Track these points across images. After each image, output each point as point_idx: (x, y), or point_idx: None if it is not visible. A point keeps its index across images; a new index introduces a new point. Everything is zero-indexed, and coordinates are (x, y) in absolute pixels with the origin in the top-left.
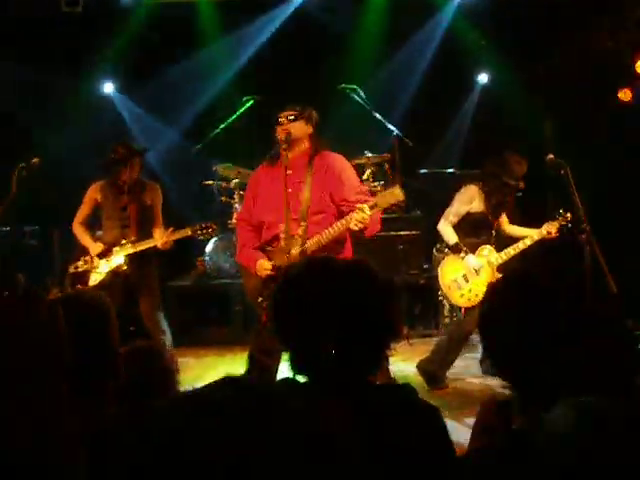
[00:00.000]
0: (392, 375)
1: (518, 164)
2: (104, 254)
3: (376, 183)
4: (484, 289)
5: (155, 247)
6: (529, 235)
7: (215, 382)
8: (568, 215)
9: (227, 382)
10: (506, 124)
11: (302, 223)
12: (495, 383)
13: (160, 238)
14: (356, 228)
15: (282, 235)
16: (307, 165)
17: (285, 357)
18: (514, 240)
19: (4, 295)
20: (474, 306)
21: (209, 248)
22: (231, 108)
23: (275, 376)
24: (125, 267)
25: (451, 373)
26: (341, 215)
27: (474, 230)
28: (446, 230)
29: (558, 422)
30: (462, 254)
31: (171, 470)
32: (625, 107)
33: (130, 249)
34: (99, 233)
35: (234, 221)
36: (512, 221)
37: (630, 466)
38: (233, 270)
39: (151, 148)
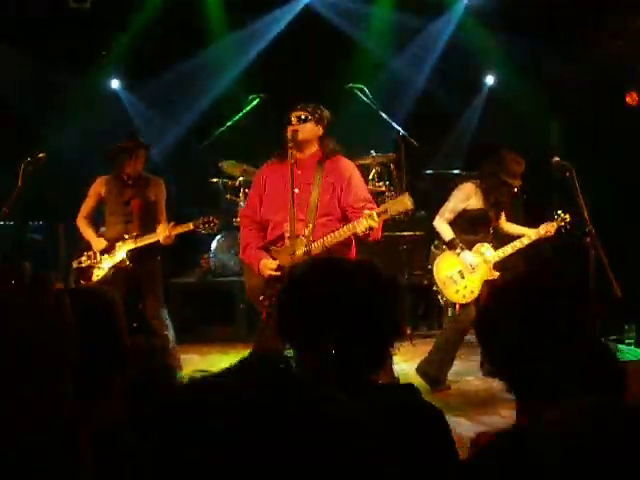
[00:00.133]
0: (396, 375)
1: (516, 163)
2: (107, 250)
3: (381, 183)
4: (480, 286)
5: (158, 242)
6: (527, 234)
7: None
8: (567, 216)
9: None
10: (512, 126)
11: (309, 224)
12: (496, 385)
13: (162, 232)
14: (362, 234)
15: (287, 235)
16: (317, 167)
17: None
18: (512, 238)
19: (11, 283)
20: (469, 303)
21: (214, 246)
22: (237, 106)
23: None
24: (128, 262)
25: (452, 374)
26: (345, 219)
27: (471, 227)
28: (442, 226)
29: (558, 422)
30: (458, 250)
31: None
32: (632, 111)
33: (132, 244)
34: (103, 229)
35: (239, 219)
36: (514, 221)
37: (631, 467)
38: (237, 268)
39: (156, 145)
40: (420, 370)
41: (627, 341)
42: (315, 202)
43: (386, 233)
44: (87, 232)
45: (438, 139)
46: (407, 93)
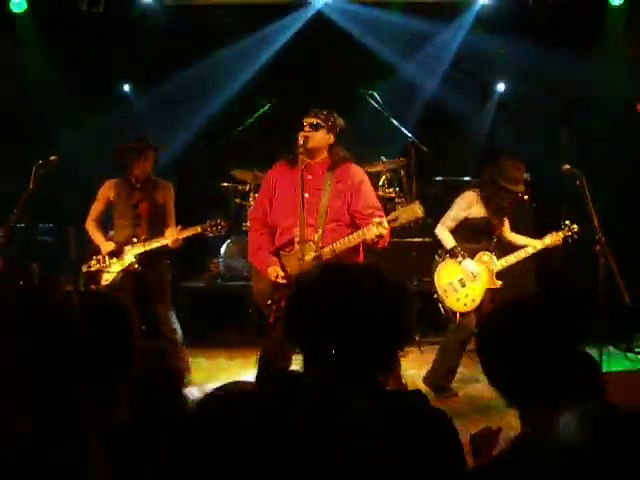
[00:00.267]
0: (404, 381)
1: (516, 168)
2: (116, 253)
3: (391, 189)
4: (481, 294)
5: (167, 246)
6: (531, 244)
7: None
8: (574, 227)
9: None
10: (523, 132)
11: (318, 230)
12: None
13: (170, 236)
14: (371, 241)
15: (297, 240)
16: (327, 172)
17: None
18: (515, 248)
19: (20, 284)
20: (470, 311)
21: (223, 250)
22: (248, 110)
23: None
24: (136, 266)
25: (459, 381)
26: (353, 225)
27: (473, 236)
28: (443, 234)
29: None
30: (459, 258)
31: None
32: None
33: (141, 248)
34: (112, 233)
35: (248, 223)
36: (524, 229)
37: (632, 471)
38: (246, 272)
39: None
40: (426, 380)
41: (637, 349)
42: (325, 208)
43: (396, 239)
44: (96, 235)
45: (449, 145)
46: (418, 99)
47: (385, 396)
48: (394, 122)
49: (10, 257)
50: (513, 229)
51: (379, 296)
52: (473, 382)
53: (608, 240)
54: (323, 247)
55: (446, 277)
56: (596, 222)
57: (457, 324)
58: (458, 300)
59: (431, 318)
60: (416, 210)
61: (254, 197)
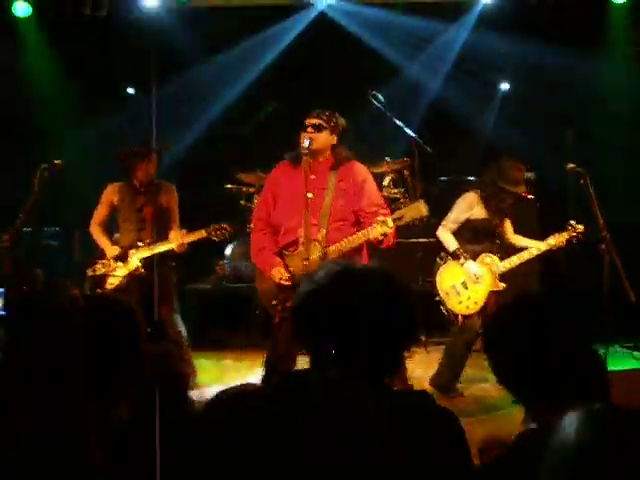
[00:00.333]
0: (409, 382)
1: (516, 169)
2: (121, 257)
3: (396, 190)
4: (484, 297)
5: (172, 250)
6: (535, 246)
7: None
8: (580, 227)
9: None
10: (527, 132)
11: (322, 229)
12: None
13: (175, 240)
14: (375, 240)
15: (301, 240)
16: (331, 172)
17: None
18: (518, 249)
19: (24, 289)
20: (473, 313)
21: (228, 252)
22: (251, 112)
23: None
24: (142, 270)
25: (465, 381)
26: (358, 223)
27: (475, 237)
28: (445, 236)
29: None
30: (462, 260)
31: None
32: None
33: (146, 252)
34: (117, 236)
35: (252, 223)
36: (529, 229)
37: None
38: (252, 274)
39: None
40: (432, 382)
41: None
42: (328, 207)
43: (401, 240)
44: (101, 240)
45: (452, 145)
46: (421, 99)
47: (391, 396)
48: (398, 123)
49: (16, 261)
50: (517, 229)
51: (385, 296)
52: (479, 382)
53: (613, 239)
54: (327, 247)
55: (448, 279)
56: (601, 221)
57: (460, 326)
58: (460, 303)
59: (437, 318)
60: (421, 208)
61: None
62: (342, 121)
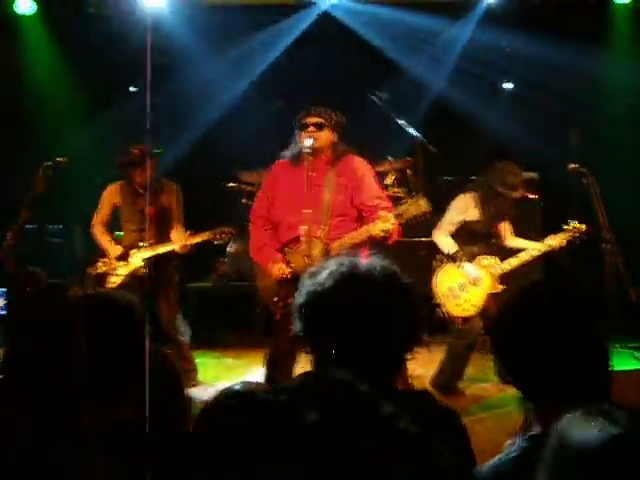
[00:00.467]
0: (410, 381)
1: (513, 174)
2: (123, 257)
3: (399, 189)
4: (482, 299)
5: (174, 251)
6: (535, 248)
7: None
8: (581, 227)
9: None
10: (531, 132)
11: (322, 225)
12: (510, 390)
13: (178, 240)
14: (377, 236)
15: (303, 238)
16: (329, 167)
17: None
18: (515, 251)
19: (27, 290)
20: (472, 316)
21: (230, 250)
22: (253, 111)
23: (292, 376)
24: (143, 270)
25: (467, 379)
26: (360, 218)
27: (471, 239)
28: (441, 239)
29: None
30: (459, 262)
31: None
32: None
33: (148, 252)
34: (117, 234)
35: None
36: (532, 230)
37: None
38: (254, 272)
39: (172, 149)
40: (433, 383)
41: None
42: (328, 203)
43: (404, 239)
44: (103, 239)
45: (456, 144)
46: (425, 97)
47: (396, 396)
48: (401, 122)
49: (19, 259)
50: (520, 228)
51: (390, 297)
52: (480, 381)
53: (616, 238)
54: (329, 243)
55: (446, 282)
56: (604, 220)
57: (460, 329)
58: (457, 305)
59: (439, 318)
60: (422, 204)
61: None
62: (341, 118)
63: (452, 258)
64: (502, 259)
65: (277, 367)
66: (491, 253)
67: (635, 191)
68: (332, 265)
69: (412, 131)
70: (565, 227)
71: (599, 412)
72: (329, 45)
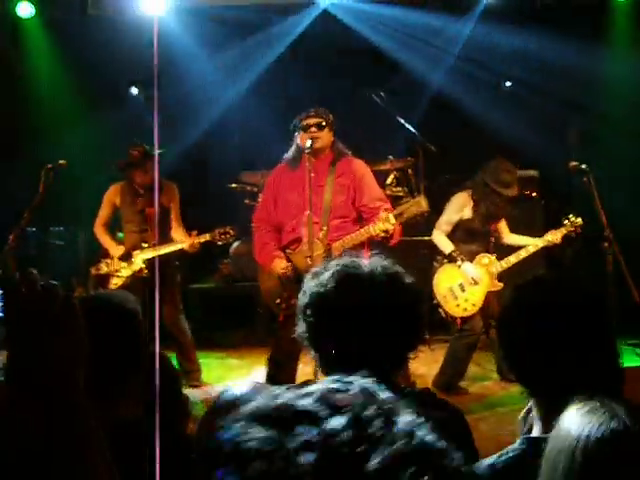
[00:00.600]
0: (412, 380)
1: (507, 172)
2: (125, 258)
3: (399, 188)
4: (482, 298)
5: (182, 250)
6: (533, 244)
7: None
8: (578, 220)
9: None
10: (531, 130)
11: (323, 227)
12: (513, 389)
13: (181, 240)
14: (378, 237)
15: (304, 239)
16: (329, 169)
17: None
18: (514, 248)
19: (22, 290)
20: (472, 315)
21: (232, 251)
22: (253, 112)
23: (294, 376)
24: (146, 271)
25: (469, 377)
26: (361, 220)
27: (470, 237)
28: (440, 239)
29: (569, 422)
30: (459, 262)
31: None
32: None
33: (151, 253)
34: (120, 235)
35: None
36: (533, 228)
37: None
38: (256, 273)
39: (173, 149)
40: (435, 383)
41: None
42: (328, 204)
43: (405, 238)
44: (105, 240)
45: (457, 142)
46: (425, 96)
47: (398, 395)
48: (401, 121)
49: (21, 261)
50: (521, 227)
51: (393, 298)
52: (482, 380)
53: (617, 238)
54: (330, 244)
55: (445, 282)
56: (604, 219)
57: (460, 329)
58: (458, 306)
59: (440, 316)
60: (421, 203)
61: None
62: (332, 117)
63: (450, 258)
64: (501, 256)
65: (279, 367)
66: (490, 251)
67: (635, 191)
68: (335, 266)
69: (412, 130)
70: (565, 222)
71: (599, 406)
72: (329, 44)
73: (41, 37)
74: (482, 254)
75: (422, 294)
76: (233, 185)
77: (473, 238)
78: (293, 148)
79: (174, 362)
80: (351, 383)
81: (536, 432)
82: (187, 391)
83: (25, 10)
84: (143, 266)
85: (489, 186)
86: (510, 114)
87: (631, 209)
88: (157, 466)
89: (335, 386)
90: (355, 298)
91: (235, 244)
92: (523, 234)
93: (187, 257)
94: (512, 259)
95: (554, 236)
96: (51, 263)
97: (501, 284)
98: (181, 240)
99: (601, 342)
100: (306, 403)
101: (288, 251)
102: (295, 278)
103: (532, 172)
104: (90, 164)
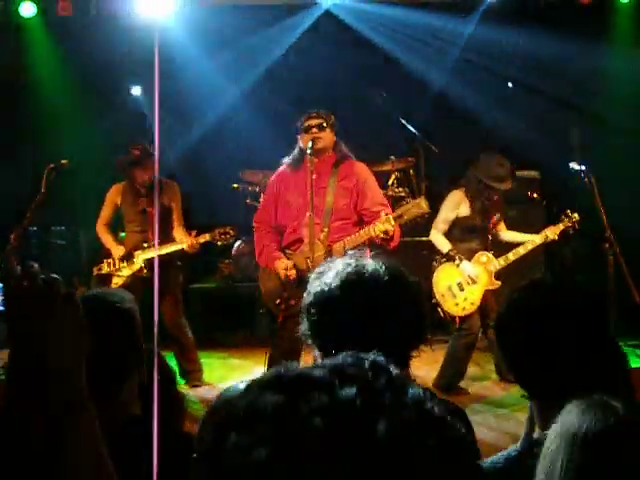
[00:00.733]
0: (413, 379)
1: (499, 166)
2: (126, 258)
3: (401, 189)
4: (480, 297)
5: (182, 250)
6: (530, 240)
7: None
8: (574, 215)
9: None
10: (532, 131)
11: (324, 229)
12: (513, 389)
13: (182, 240)
14: (378, 238)
15: (305, 240)
16: (331, 171)
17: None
18: (512, 245)
19: (24, 285)
20: (471, 314)
21: (234, 251)
22: (254, 112)
23: None
24: (146, 271)
25: (469, 378)
26: (361, 223)
27: (468, 234)
28: (437, 239)
29: (567, 419)
30: (457, 261)
31: None
32: None
33: (152, 253)
34: (122, 235)
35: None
36: (535, 228)
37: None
38: (257, 273)
39: (174, 149)
40: (436, 384)
41: None
42: (330, 206)
43: (406, 238)
44: (107, 239)
45: (458, 142)
46: (427, 95)
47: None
48: (402, 121)
49: (23, 260)
50: (523, 227)
51: (396, 298)
52: (482, 380)
53: (617, 238)
54: (330, 245)
55: (444, 281)
56: (605, 220)
57: (459, 329)
58: (457, 305)
59: (439, 316)
60: (422, 205)
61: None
62: (334, 118)
63: (448, 257)
64: (499, 254)
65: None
66: (488, 248)
67: (637, 192)
68: (338, 265)
69: (414, 130)
70: (563, 217)
71: (598, 402)
72: (331, 44)
73: (43, 37)
74: (480, 252)
75: (425, 294)
76: (235, 185)
77: (472, 235)
78: (295, 151)
79: (173, 362)
80: (363, 358)
81: (536, 433)
82: (188, 391)
83: (28, 10)
84: (143, 266)
85: (483, 182)
86: (512, 114)
87: (632, 209)
88: (155, 464)
89: (349, 360)
90: (359, 297)
91: (237, 244)
92: None
93: (188, 257)
94: (510, 256)
95: (552, 232)
96: (53, 262)
97: (499, 282)
98: (181, 240)
99: (601, 344)
100: (320, 373)
101: (288, 252)
102: (295, 279)
103: (533, 173)
104: (91, 164)
